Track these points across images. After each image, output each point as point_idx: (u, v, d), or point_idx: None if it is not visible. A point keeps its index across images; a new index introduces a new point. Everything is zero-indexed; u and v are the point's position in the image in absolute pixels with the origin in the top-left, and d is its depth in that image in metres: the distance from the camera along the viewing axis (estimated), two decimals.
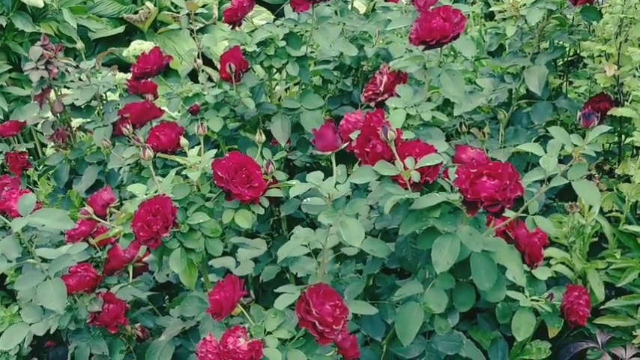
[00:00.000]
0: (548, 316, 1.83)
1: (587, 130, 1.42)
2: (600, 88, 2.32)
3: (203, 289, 1.83)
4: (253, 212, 1.58)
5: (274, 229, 2.42)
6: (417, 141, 1.54)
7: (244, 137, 2.22)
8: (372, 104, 1.88)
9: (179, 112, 2.26)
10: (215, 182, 1.56)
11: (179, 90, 2.11)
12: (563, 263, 2.01)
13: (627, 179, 2.14)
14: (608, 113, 2.17)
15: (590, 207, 2.00)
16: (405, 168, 1.47)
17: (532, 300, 1.82)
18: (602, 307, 1.95)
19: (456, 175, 1.43)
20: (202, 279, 1.80)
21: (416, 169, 1.47)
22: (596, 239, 2.07)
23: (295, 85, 2.48)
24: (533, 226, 1.49)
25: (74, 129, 2.62)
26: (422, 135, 1.76)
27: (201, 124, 1.64)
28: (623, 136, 2.31)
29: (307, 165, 2.29)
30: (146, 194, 1.55)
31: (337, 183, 1.48)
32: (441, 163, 1.48)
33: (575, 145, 1.44)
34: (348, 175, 1.50)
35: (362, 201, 1.50)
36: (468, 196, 1.40)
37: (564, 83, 2.48)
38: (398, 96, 1.73)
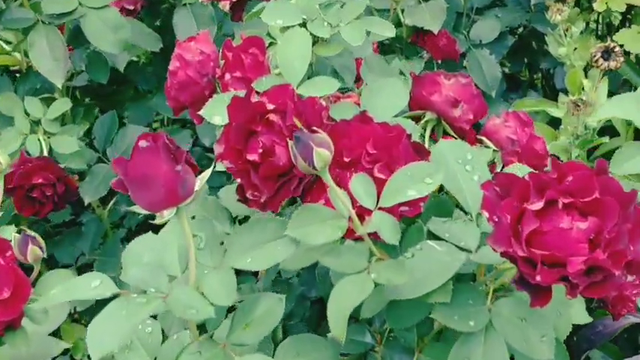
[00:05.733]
0: None
1: None
2: None
3: None
4: None
5: None
6: (362, 116, 0.66)
7: None
8: (225, 6, 0.93)
9: None
10: None
11: None
12: None
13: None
14: None
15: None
16: (356, 206, 0.61)
17: None
18: None
19: (488, 216, 0.58)
20: None
21: (383, 209, 0.61)
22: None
23: None
24: None
25: None
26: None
27: None
28: None
29: None
30: None
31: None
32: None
33: None
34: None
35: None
36: (538, 278, 0.56)
37: None
38: None
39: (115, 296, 0.59)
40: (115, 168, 0.55)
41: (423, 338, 0.80)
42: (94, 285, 0.60)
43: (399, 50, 1.37)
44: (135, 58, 1.62)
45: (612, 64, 1.10)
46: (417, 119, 0.83)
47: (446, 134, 0.83)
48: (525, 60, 1.73)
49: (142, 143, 0.55)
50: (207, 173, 0.57)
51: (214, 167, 0.60)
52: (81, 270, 1.29)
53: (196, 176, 0.57)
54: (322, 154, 0.56)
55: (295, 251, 0.63)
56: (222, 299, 0.56)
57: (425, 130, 0.82)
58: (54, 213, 1.15)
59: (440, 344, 0.79)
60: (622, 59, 1.12)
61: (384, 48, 1.39)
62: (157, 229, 0.65)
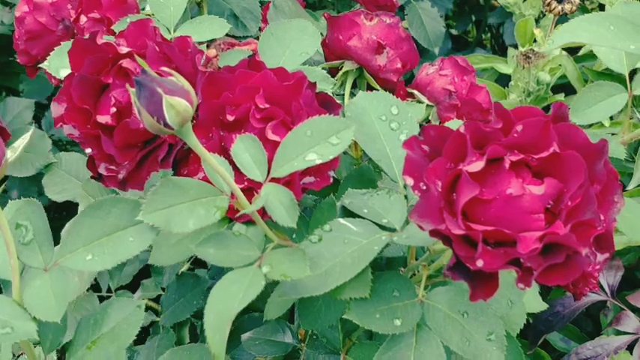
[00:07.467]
0: None
1: None
2: None
3: None
4: None
5: None
6: (250, 61, 0.51)
7: None
8: None
9: None
10: None
11: None
12: None
13: None
14: None
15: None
16: (246, 179, 0.46)
17: None
18: None
19: (413, 184, 0.44)
20: None
21: (276, 180, 0.46)
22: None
23: None
24: None
25: None
26: None
27: None
28: None
29: None
30: None
31: None
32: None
33: None
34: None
35: None
36: (479, 263, 0.42)
37: None
38: None
39: None
40: None
41: (351, 336, 0.65)
42: None
43: (331, 5, 1.22)
44: None
45: (567, 7, 0.96)
46: (334, 71, 0.68)
47: (370, 89, 0.68)
48: (473, 18, 1.59)
49: None
50: (23, 140, 0.42)
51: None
52: None
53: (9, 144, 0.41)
54: (177, 105, 0.40)
55: (165, 241, 0.47)
56: (51, 312, 0.40)
57: (344, 84, 0.67)
58: None
59: (370, 343, 0.65)
60: (577, 1, 0.98)
61: (314, 2, 1.24)
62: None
